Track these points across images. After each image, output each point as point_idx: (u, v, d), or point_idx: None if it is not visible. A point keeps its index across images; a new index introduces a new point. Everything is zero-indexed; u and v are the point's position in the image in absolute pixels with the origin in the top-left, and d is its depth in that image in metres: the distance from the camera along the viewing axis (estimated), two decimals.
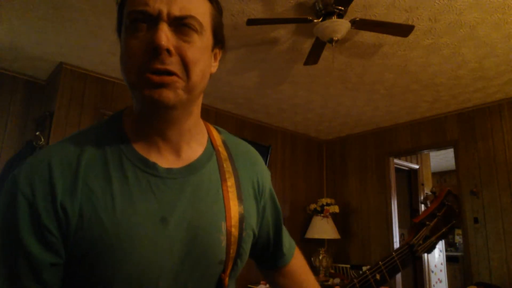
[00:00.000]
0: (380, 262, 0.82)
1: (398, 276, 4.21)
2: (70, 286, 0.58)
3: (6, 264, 0.53)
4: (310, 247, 4.58)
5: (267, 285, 3.84)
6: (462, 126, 3.88)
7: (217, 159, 0.70)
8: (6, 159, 3.01)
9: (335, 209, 4.49)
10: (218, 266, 0.64)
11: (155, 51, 0.55)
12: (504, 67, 3.02)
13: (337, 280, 4.14)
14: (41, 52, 2.95)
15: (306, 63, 2.73)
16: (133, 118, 0.65)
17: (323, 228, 4.39)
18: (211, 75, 0.67)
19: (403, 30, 2.31)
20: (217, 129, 0.77)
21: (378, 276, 0.80)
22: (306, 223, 4.65)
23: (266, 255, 0.84)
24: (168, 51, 0.56)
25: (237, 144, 0.77)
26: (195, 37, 0.59)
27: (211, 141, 0.72)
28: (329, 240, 4.67)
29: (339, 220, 4.64)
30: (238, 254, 0.67)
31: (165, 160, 0.64)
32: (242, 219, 0.67)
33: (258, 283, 3.90)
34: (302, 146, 4.99)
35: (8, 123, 3.20)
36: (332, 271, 4.43)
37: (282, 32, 2.58)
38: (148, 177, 0.61)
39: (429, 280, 4.99)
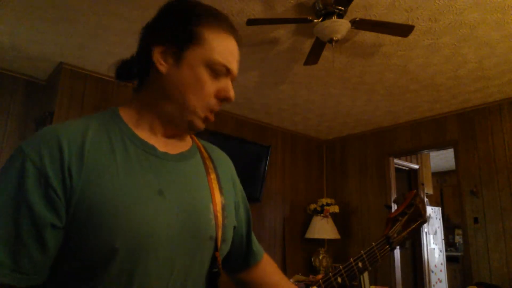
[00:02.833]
0: (362, 251, 0.95)
1: (398, 276, 4.21)
2: (70, 256, 0.60)
3: (14, 222, 0.56)
4: (310, 247, 4.58)
5: None
6: (462, 126, 3.88)
7: (201, 157, 0.81)
8: (6, 159, 3.01)
9: (335, 209, 4.49)
10: (210, 242, 0.71)
11: (225, 100, 0.74)
12: (504, 67, 3.02)
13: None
14: (41, 52, 2.95)
15: (306, 63, 2.73)
16: (134, 114, 0.74)
17: (323, 228, 4.39)
18: None
19: (403, 30, 2.31)
20: (195, 136, 0.88)
21: (360, 264, 0.93)
22: (306, 223, 4.65)
23: (240, 254, 0.88)
24: None
25: (213, 149, 0.89)
26: None
27: (194, 142, 0.84)
28: (329, 240, 4.66)
29: (339, 220, 4.64)
30: (223, 239, 0.74)
31: (161, 147, 0.73)
32: (224, 207, 0.76)
33: None
34: (302, 146, 4.99)
35: (8, 123, 3.20)
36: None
37: (282, 32, 2.58)
38: (147, 155, 0.69)
39: (429, 280, 4.99)
